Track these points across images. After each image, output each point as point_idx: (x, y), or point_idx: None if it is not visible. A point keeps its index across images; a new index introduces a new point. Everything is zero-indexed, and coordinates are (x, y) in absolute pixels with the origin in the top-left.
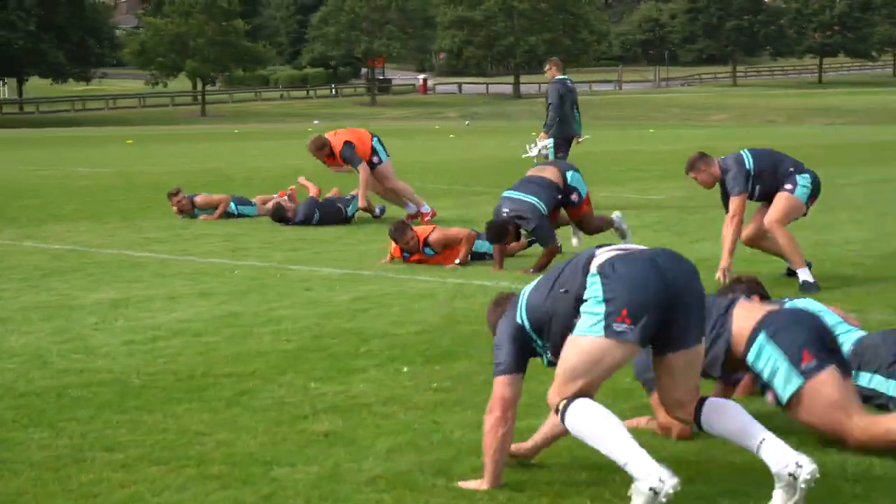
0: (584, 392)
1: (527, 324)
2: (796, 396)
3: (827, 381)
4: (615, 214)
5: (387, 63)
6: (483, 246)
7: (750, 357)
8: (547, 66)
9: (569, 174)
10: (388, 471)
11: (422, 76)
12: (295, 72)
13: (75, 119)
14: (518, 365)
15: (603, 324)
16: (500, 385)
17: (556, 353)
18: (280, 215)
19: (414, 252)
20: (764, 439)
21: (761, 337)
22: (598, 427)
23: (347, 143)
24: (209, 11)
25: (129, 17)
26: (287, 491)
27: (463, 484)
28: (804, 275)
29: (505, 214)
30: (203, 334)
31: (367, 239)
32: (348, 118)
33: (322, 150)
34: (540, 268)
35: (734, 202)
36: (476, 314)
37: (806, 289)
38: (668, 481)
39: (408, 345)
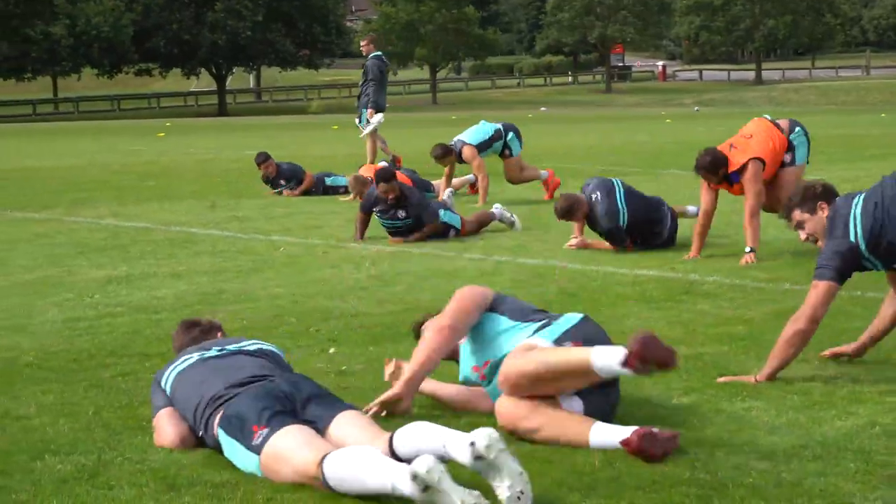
0: None
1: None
2: None
3: None
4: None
5: (629, 50)
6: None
7: None
8: (364, 42)
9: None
10: None
11: (661, 63)
12: (538, 60)
13: (306, 108)
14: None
15: None
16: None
17: None
18: None
19: None
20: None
21: None
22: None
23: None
24: None
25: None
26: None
27: None
28: None
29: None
30: (161, 311)
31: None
32: (580, 105)
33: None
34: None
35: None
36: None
37: None
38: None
39: (369, 325)
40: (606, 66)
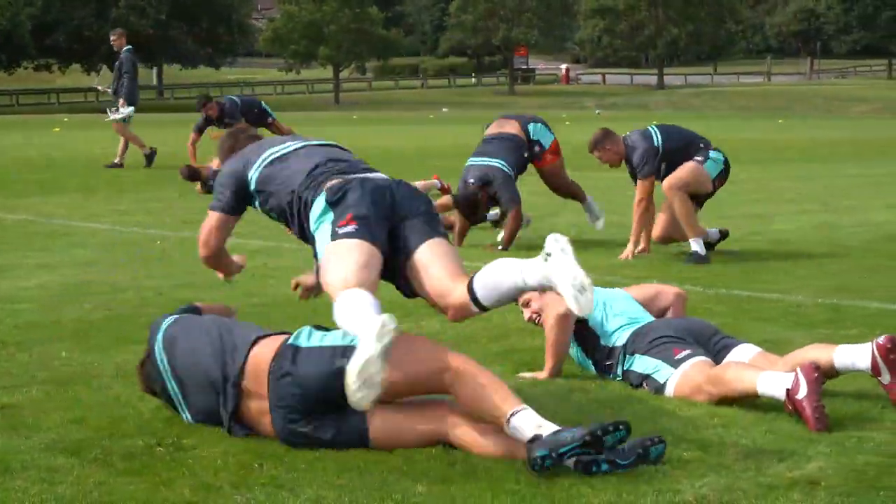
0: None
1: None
2: None
3: None
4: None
5: (534, 53)
6: None
7: None
8: (113, 37)
9: (531, 126)
10: None
11: (564, 66)
12: (442, 61)
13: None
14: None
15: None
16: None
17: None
18: None
19: None
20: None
21: None
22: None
23: None
24: None
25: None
26: None
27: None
28: (695, 245)
29: (471, 184)
30: (22, 301)
31: None
32: (483, 106)
33: None
34: (508, 242)
35: (641, 185)
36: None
37: (695, 259)
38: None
39: None
40: (510, 69)
